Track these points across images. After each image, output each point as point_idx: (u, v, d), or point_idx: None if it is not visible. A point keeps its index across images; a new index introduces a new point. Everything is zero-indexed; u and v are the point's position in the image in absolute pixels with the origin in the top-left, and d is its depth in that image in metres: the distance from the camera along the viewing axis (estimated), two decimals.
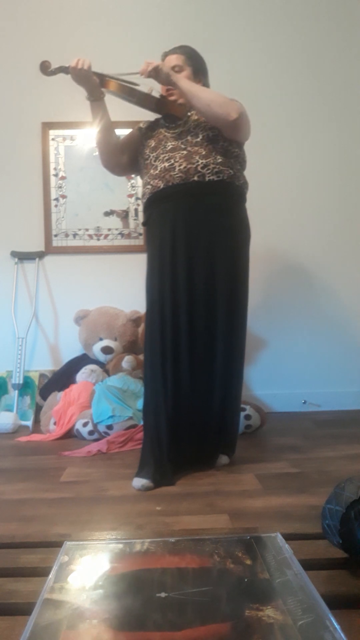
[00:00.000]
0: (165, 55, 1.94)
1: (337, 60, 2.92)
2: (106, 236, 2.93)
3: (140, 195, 2.91)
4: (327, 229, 2.93)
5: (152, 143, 1.91)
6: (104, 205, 2.92)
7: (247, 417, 2.36)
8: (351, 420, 2.63)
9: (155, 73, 1.77)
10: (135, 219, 2.94)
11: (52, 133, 2.90)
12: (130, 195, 2.94)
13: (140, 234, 2.93)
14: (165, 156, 1.84)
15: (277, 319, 2.90)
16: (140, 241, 2.92)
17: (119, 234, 2.94)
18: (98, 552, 1.10)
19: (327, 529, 1.08)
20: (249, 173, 1.94)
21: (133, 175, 2.87)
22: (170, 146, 1.85)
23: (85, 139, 2.90)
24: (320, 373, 2.91)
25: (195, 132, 1.85)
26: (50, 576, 0.99)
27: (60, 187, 2.91)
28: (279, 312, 2.91)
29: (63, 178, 2.91)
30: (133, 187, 2.93)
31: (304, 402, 2.87)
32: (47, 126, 2.89)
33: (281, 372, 2.90)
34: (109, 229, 2.93)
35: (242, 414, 2.28)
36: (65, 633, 0.82)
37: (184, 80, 1.80)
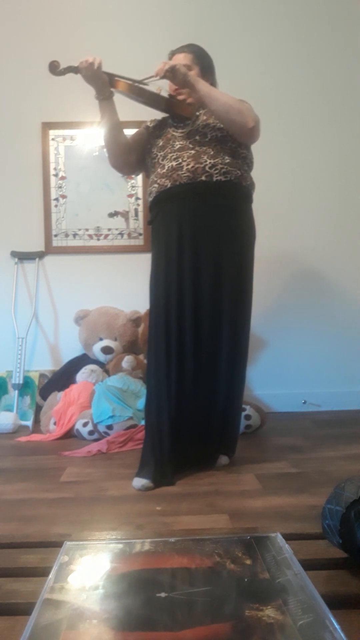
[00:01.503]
0: (173, 54, 1.93)
1: (337, 61, 2.92)
2: (106, 236, 2.93)
3: (140, 196, 2.92)
4: (328, 229, 2.93)
5: (160, 142, 1.91)
6: (104, 205, 2.92)
7: (247, 417, 2.36)
8: (351, 420, 2.63)
9: (172, 74, 1.75)
10: (135, 219, 2.94)
11: (52, 133, 2.90)
12: (130, 196, 2.94)
13: (141, 234, 2.93)
14: (173, 155, 1.83)
15: (277, 319, 2.90)
16: (140, 241, 2.92)
17: (119, 234, 2.94)
18: (98, 552, 1.10)
19: (327, 529, 1.08)
20: (253, 174, 1.94)
21: (133, 176, 2.87)
22: (179, 145, 1.85)
23: (85, 139, 2.90)
24: (320, 373, 2.91)
25: (204, 132, 1.84)
26: (50, 576, 0.99)
27: (60, 187, 2.91)
28: (280, 312, 2.91)
29: (63, 178, 2.91)
30: (133, 187, 2.93)
31: (304, 402, 2.87)
32: (47, 126, 2.89)
33: (281, 372, 2.90)
34: (109, 229, 2.93)
35: (242, 414, 2.28)
36: (65, 633, 0.82)
37: (201, 83, 1.78)
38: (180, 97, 1.87)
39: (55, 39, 2.84)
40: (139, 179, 2.89)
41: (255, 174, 1.95)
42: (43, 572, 1.04)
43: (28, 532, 1.35)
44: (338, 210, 2.94)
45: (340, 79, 2.93)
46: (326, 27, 2.91)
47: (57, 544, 1.16)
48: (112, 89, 1.85)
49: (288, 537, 1.13)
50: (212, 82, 1.95)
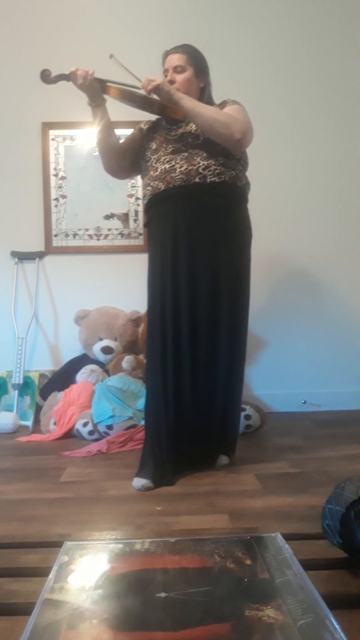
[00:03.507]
0: (167, 54, 1.93)
1: (338, 61, 2.92)
2: (106, 236, 2.93)
3: (140, 196, 2.92)
4: (328, 230, 2.93)
5: (154, 145, 1.91)
6: (104, 205, 2.92)
7: (247, 417, 2.36)
8: (351, 420, 2.63)
9: (157, 92, 1.76)
10: (135, 219, 2.94)
11: (52, 133, 2.90)
12: (130, 196, 2.94)
13: (140, 234, 2.93)
14: (166, 158, 1.84)
15: (277, 319, 2.90)
16: (140, 241, 2.92)
17: (119, 234, 2.94)
18: (98, 552, 1.10)
19: (327, 529, 1.08)
20: (249, 174, 1.94)
21: (133, 178, 2.86)
22: (172, 148, 1.85)
23: (85, 139, 2.90)
24: (320, 373, 2.91)
25: (197, 134, 1.84)
26: (50, 576, 0.99)
27: (60, 187, 2.91)
28: (279, 312, 2.91)
29: (63, 178, 2.91)
30: (133, 187, 2.93)
31: (304, 402, 2.87)
32: (47, 126, 2.89)
33: (281, 372, 2.90)
34: (109, 229, 2.93)
35: (242, 414, 2.28)
36: (65, 633, 0.82)
37: (186, 99, 1.78)
38: None
39: (55, 39, 2.84)
40: (139, 178, 2.89)
41: (252, 173, 1.95)
42: (43, 572, 1.04)
43: (28, 532, 1.35)
44: (337, 210, 2.94)
45: (343, 79, 2.92)
46: (328, 27, 2.91)
47: (57, 544, 1.16)
48: (104, 95, 1.85)
49: (288, 537, 1.13)
50: (206, 83, 1.95)
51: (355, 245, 2.95)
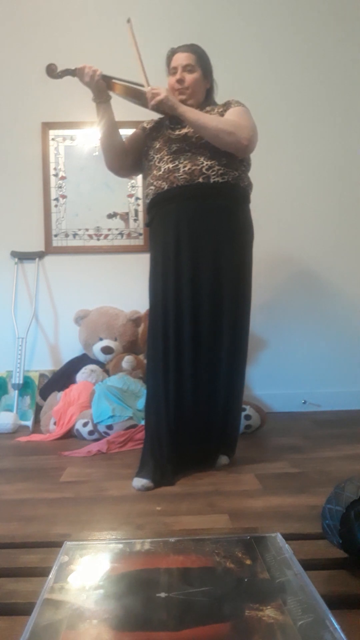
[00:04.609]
0: (174, 52, 1.92)
1: (340, 61, 2.92)
2: (106, 236, 2.93)
3: (140, 196, 2.92)
4: (328, 230, 2.93)
5: (157, 144, 1.90)
6: (104, 205, 2.92)
7: (247, 417, 2.36)
8: (351, 420, 2.63)
9: (160, 106, 1.76)
10: (135, 219, 2.94)
11: (52, 133, 2.90)
12: (130, 195, 2.94)
13: (140, 234, 2.93)
14: (169, 157, 1.83)
15: (277, 319, 2.90)
16: (140, 241, 2.92)
17: (119, 234, 2.94)
18: (98, 552, 1.10)
19: (327, 529, 1.08)
20: (251, 174, 1.94)
21: (133, 177, 2.86)
22: (175, 147, 1.84)
23: (85, 139, 2.90)
24: (320, 373, 2.91)
25: None
26: (50, 576, 0.99)
27: (60, 187, 2.91)
28: (280, 313, 2.91)
29: (63, 178, 2.91)
30: (133, 187, 2.93)
31: (304, 402, 2.87)
32: (47, 126, 2.89)
33: (281, 372, 2.90)
34: (109, 229, 2.93)
35: (242, 414, 2.28)
36: (65, 633, 0.82)
37: (189, 112, 1.77)
38: (178, 99, 1.86)
39: (55, 38, 2.84)
40: (139, 178, 2.89)
41: (254, 174, 1.95)
42: (43, 572, 1.04)
43: (28, 532, 1.35)
44: (339, 211, 2.94)
45: (344, 80, 2.92)
46: (329, 27, 2.91)
47: (57, 544, 1.16)
48: (109, 92, 1.85)
49: (288, 537, 1.13)
50: (211, 82, 1.96)
51: (356, 245, 2.95)
